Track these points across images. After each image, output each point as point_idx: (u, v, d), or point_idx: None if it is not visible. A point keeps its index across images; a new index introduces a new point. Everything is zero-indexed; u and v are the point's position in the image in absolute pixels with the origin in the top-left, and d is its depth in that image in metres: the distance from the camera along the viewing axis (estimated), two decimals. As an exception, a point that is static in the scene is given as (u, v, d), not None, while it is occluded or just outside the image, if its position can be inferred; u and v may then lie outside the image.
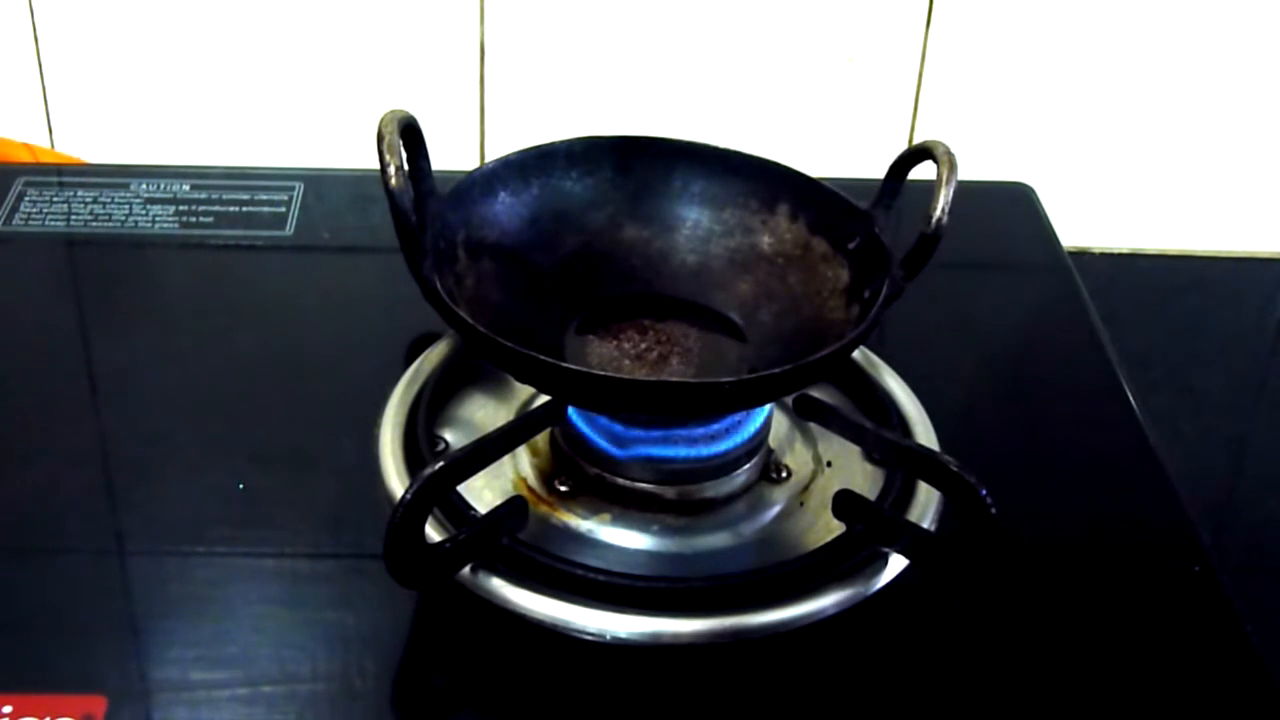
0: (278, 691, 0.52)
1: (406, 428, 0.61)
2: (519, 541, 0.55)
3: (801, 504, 0.61)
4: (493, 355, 0.55)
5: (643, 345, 0.62)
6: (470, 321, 0.55)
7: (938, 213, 0.58)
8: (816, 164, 0.66)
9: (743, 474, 0.61)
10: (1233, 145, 1.01)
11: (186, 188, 0.81)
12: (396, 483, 0.58)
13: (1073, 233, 0.90)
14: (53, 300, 0.74)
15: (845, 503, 0.57)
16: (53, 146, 0.97)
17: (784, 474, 0.62)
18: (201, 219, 0.79)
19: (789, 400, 0.60)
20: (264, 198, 0.81)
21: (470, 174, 0.62)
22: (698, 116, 0.99)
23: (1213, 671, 0.56)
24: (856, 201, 0.63)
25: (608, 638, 0.53)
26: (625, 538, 0.58)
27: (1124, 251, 1.03)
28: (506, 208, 0.63)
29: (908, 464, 0.57)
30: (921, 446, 0.58)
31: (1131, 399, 0.69)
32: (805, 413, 0.60)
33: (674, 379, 0.59)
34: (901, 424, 0.64)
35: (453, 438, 0.63)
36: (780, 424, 0.63)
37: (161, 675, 0.53)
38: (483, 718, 0.54)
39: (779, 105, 0.99)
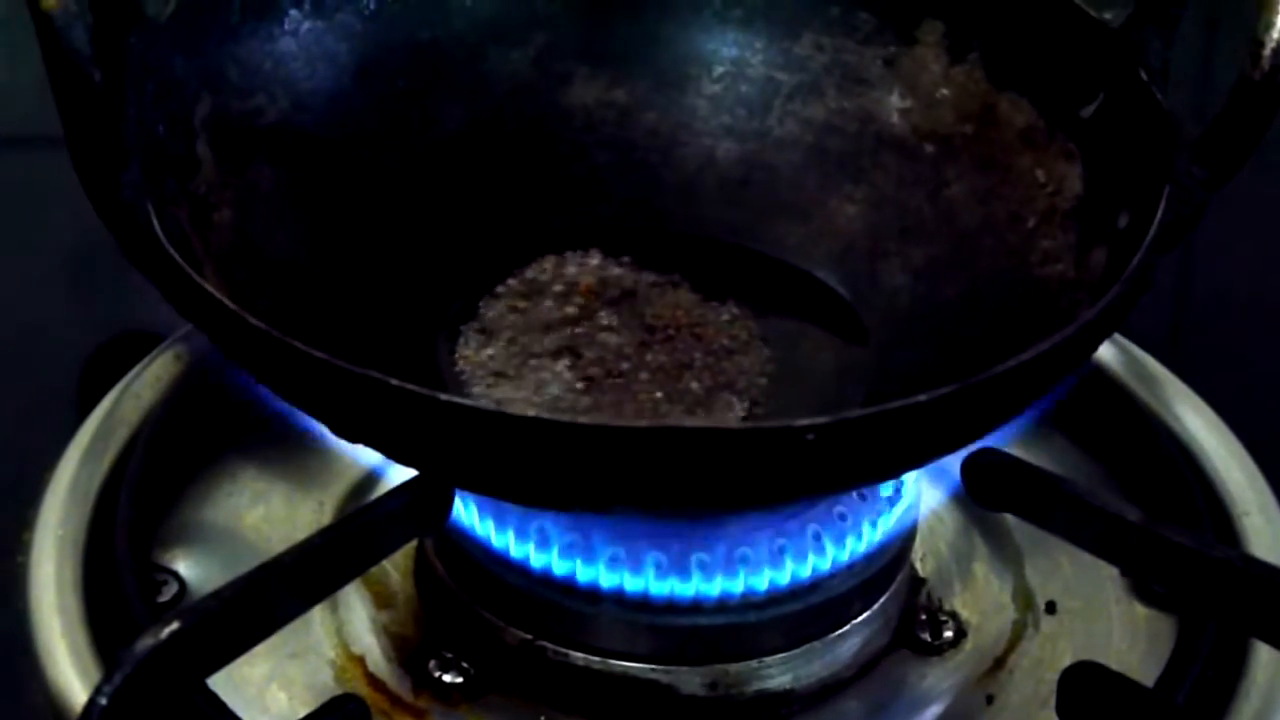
0: None
1: (89, 548, 0.42)
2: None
3: (991, 698, 0.40)
4: (281, 377, 0.36)
5: (611, 350, 0.41)
6: (229, 304, 0.36)
7: (1275, 39, 0.40)
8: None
9: (855, 636, 0.40)
10: None
11: None
12: (72, 674, 0.38)
13: None
14: None
15: (1084, 689, 0.38)
16: None
17: (950, 633, 0.42)
18: None
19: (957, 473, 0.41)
20: None
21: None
22: None
23: None
24: (1096, 12, 0.45)
25: None
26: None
27: None
28: (303, 44, 0.42)
29: (1232, 606, 0.37)
30: (1269, 566, 0.38)
31: None
32: (990, 495, 0.39)
33: (684, 423, 0.40)
34: (1213, 507, 0.43)
35: (189, 569, 0.44)
36: (941, 522, 0.45)
37: None
38: None
39: None
